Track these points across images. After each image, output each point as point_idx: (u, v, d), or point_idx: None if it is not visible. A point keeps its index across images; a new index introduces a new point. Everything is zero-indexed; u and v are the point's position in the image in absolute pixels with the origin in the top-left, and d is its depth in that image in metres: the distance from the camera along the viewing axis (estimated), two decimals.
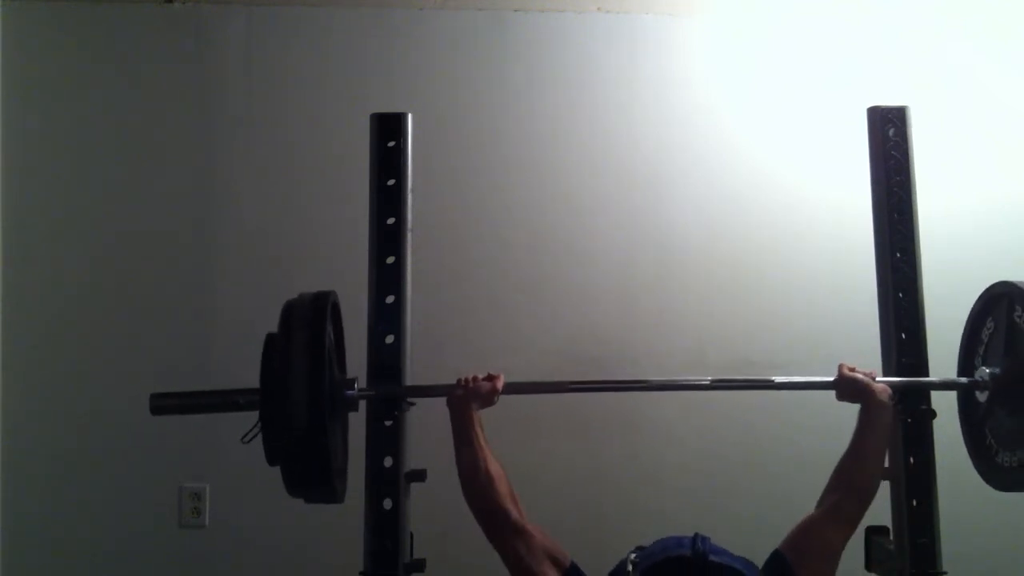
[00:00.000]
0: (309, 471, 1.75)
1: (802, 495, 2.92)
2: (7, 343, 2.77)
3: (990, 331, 2.02)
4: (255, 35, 2.93)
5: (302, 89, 2.92)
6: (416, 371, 2.02)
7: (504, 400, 1.97)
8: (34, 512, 2.76)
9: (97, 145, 2.88)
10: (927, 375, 2.03)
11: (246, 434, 1.79)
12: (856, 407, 1.96)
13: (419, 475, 1.95)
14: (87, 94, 2.90)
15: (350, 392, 1.90)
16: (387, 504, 1.90)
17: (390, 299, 1.98)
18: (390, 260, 1.99)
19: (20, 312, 2.79)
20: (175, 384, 2.71)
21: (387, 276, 1.99)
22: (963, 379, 2.05)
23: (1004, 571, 2.80)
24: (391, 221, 2.01)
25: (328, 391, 1.75)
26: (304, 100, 2.92)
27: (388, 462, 1.92)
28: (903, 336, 2.05)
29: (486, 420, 1.93)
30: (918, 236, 2.09)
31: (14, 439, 2.75)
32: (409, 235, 2.01)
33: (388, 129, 2.05)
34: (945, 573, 1.96)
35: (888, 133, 2.13)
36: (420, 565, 1.93)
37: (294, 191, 2.89)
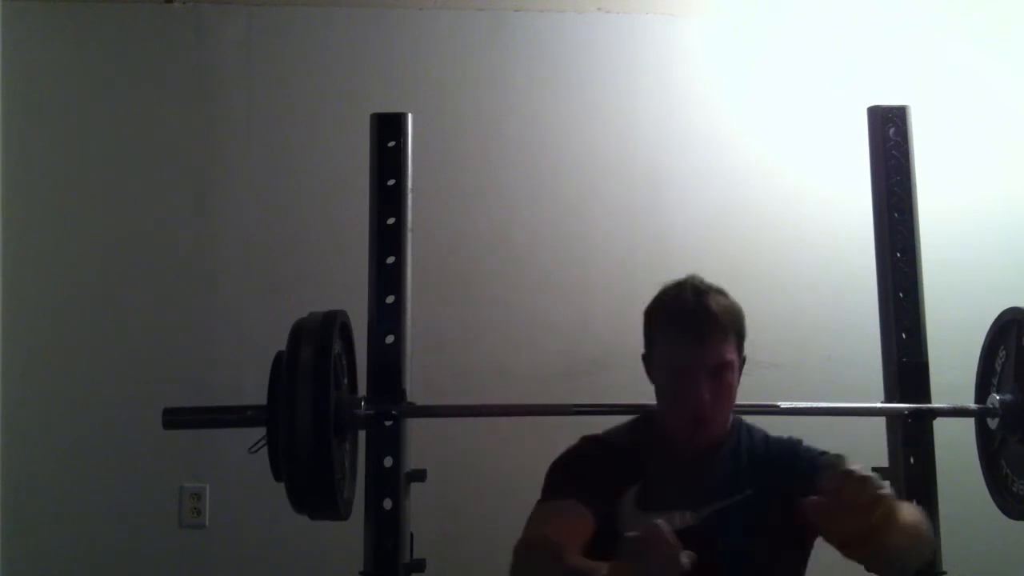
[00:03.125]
0: (313, 492, 1.76)
1: None
2: (8, 344, 2.77)
3: (1003, 359, 2.01)
4: (255, 35, 2.93)
5: (302, 89, 2.92)
6: (416, 371, 2.02)
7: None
8: (34, 512, 2.75)
9: (97, 145, 2.88)
10: (928, 376, 2.03)
11: (254, 445, 1.80)
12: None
13: (419, 475, 1.95)
14: (87, 94, 2.89)
15: (357, 411, 1.89)
16: (387, 504, 1.90)
17: (390, 299, 1.97)
18: (390, 260, 1.99)
19: (20, 312, 2.78)
20: (175, 383, 2.74)
21: (387, 276, 1.98)
22: (974, 406, 2.03)
23: (1004, 571, 2.79)
24: (391, 221, 2.00)
25: (334, 413, 1.76)
26: (304, 100, 2.92)
27: (388, 462, 1.91)
28: (903, 336, 2.04)
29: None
30: (918, 236, 2.09)
31: (15, 440, 2.74)
32: (409, 235, 2.01)
33: (388, 129, 2.05)
34: (945, 573, 1.96)
35: (888, 133, 2.13)
36: (420, 565, 1.93)
37: (294, 191, 2.89)
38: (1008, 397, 1.96)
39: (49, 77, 2.89)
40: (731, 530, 1.46)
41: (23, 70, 2.85)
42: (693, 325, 1.57)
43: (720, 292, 1.64)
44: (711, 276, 1.64)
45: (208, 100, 2.92)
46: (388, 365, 1.94)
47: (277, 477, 1.79)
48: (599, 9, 2.97)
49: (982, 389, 2.06)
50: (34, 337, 2.80)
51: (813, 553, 1.60)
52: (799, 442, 1.67)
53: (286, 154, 2.90)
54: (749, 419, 1.73)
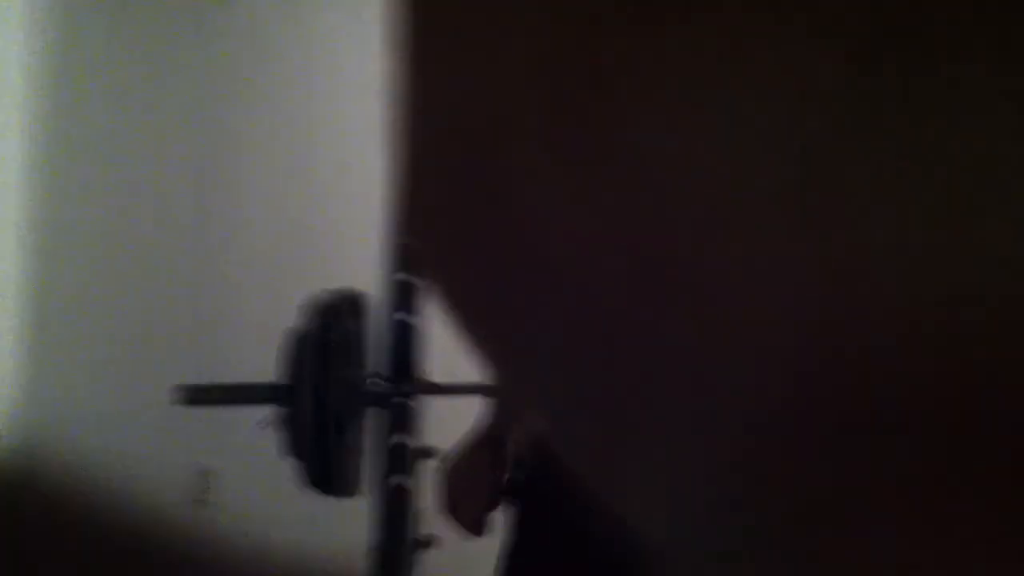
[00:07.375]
0: (325, 469, 1.78)
1: None
2: (24, 329, 2.78)
3: None
4: (257, 30, 2.93)
5: (305, 79, 2.93)
6: (432, 350, 2.02)
7: None
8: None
9: (100, 134, 2.89)
10: None
11: (263, 420, 1.82)
12: None
13: (427, 452, 1.96)
14: (86, 88, 2.90)
15: (373, 388, 1.91)
16: (395, 481, 1.91)
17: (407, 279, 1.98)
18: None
19: (36, 297, 2.80)
20: (186, 362, 2.76)
21: (404, 255, 1.99)
22: None
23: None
24: None
25: (344, 388, 1.77)
26: (308, 89, 2.93)
27: (401, 439, 1.93)
28: None
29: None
30: None
31: (30, 423, 2.76)
32: None
33: None
34: None
35: None
36: (428, 541, 1.94)
37: (296, 187, 2.90)
38: None
39: (48, 72, 2.90)
40: None
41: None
42: None
43: None
44: None
45: (211, 89, 2.92)
46: (404, 344, 1.96)
47: (290, 455, 1.80)
48: None
49: None
50: (48, 322, 2.81)
51: None
52: None
53: (290, 145, 2.91)
54: None
